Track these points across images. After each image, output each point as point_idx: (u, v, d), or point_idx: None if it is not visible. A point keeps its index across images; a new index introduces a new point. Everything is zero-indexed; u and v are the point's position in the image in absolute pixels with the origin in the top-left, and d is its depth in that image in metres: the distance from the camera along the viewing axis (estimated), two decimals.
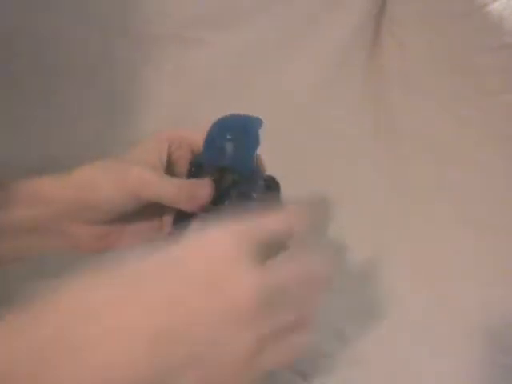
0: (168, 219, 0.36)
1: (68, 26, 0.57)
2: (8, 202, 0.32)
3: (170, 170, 0.36)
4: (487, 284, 0.45)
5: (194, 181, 0.34)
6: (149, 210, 0.35)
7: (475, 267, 0.47)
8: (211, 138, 0.34)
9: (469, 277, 0.46)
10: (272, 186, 0.35)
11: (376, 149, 0.63)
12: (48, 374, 0.22)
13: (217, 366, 0.24)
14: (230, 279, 0.24)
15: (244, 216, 0.26)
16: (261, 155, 0.35)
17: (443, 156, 0.59)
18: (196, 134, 0.36)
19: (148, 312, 0.23)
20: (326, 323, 0.41)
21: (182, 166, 0.37)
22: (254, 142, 0.34)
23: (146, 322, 0.23)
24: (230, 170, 0.33)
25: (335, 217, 0.54)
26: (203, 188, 0.33)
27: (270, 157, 0.35)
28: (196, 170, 0.35)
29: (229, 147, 0.34)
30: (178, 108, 0.61)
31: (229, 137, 0.33)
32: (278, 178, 0.35)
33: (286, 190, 0.35)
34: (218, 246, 0.25)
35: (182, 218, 0.34)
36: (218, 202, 0.33)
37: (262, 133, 0.35)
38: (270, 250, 0.26)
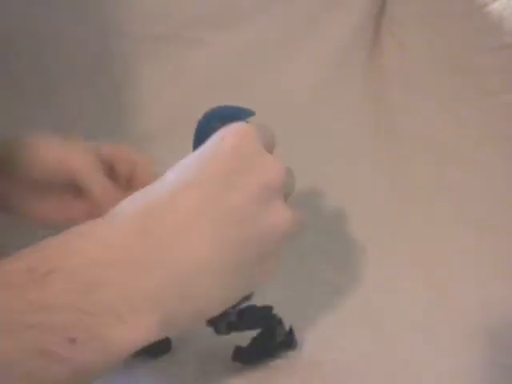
0: None
1: (68, 26, 0.57)
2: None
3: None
4: (487, 284, 0.45)
5: (116, 191, 0.36)
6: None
7: (475, 267, 0.47)
8: (200, 127, 0.34)
9: (469, 277, 0.46)
10: None
11: (376, 149, 0.63)
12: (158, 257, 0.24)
13: (270, 241, 0.27)
14: (263, 162, 0.27)
15: None
16: None
17: (443, 156, 0.59)
18: (137, 156, 0.38)
19: (207, 199, 0.26)
20: (324, 322, 0.41)
21: (123, 178, 0.38)
22: None
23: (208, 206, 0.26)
24: None
25: (335, 217, 0.54)
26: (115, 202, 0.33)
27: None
28: None
29: None
30: (178, 108, 0.61)
31: (217, 125, 0.33)
32: None
33: None
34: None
35: None
36: None
37: None
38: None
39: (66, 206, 0.38)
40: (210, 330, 0.34)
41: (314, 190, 0.55)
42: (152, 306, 0.24)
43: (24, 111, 0.57)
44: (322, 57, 0.66)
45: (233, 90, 0.62)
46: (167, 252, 0.25)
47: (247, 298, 0.33)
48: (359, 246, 0.50)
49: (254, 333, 0.37)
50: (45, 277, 0.21)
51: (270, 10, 0.63)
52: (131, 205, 0.26)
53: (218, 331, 0.34)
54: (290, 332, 0.38)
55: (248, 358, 0.37)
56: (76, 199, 0.37)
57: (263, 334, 0.37)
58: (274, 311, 0.37)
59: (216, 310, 0.28)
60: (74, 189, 0.36)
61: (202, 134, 0.33)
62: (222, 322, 0.34)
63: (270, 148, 0.29)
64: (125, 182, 0.38)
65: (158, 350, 0.38)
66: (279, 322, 0.37)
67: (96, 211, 0.30)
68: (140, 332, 0.23)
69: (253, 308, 0.35)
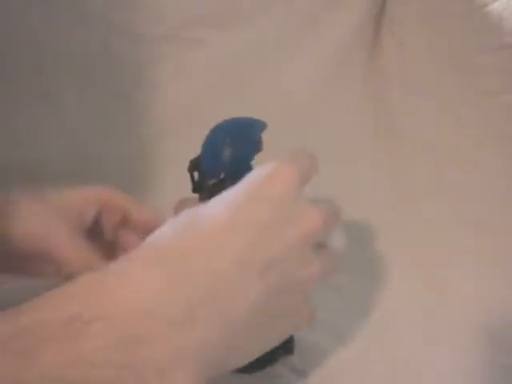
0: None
1: (68, 26, 0.57)
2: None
3: (96, 229, 0.36)
4: (487, 284, 0.45)
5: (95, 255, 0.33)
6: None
7: (475, 267, 0.47)
8: (210, 142, 0.34)
9: (469, 277, 0.46)
10: None
11: (376, 149, 0.63)
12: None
13: (304, 291, 0.28)
14: (303, 207, 0.27)
15: None
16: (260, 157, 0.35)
17: (443, 156, 0.59)
18: (127, 200, 0.37)
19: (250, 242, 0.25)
20: (325, 322, 0.41)
21: (109, 228, 0.37)
22: (254, 146, 0.33)
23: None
24: (230, 181, 0.32)
25: None
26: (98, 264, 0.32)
27: (270, 157, 0.35)
28: (199, 176, 0.35)
29: (227, 152, 0.33)
30: (178, 108, 0.61)
31: (226, 140, 0.32)
32: None
33: None
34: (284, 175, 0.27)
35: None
36: None
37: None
38: None
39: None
40: None
41: (314, 190, 0.55)
42: (195, 359, 0.23)
43: (24, 111, 0.57)
44: (322, 57, 0.66)
45: (233, 90, 0.62)
46: (212, 303, 0.23)
47: (289, 351, 0.34)
48: (359, 245, 0.50)
49: None
50: (87, 326, 0.20)
51: (270, 10, 0.63)
52: (166, 244, 0.25)
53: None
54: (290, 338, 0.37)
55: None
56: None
57: None
58: None
59: (250, 360, 0.27)
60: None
61: (210, 148, 0.33)
62: None
63: (308, 177, 0.30)
64: (112, 229, 0.37)
65: None
66: None
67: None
68: None
69: None
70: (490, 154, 0.56)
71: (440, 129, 0.60)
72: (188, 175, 0.35)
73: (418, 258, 0.48)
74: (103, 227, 0.37)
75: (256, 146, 0.34)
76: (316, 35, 0.65)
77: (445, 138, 0.59)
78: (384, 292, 0.45)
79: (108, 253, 0.34)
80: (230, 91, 0.62)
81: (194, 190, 0.35)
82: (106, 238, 0.37)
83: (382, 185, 0.58)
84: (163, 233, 0.26)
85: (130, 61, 0.60)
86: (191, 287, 0.23)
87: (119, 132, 0.59)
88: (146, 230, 0.27)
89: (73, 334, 0.20)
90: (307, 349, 0.39)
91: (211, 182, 0.33)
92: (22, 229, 0.32)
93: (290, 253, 0.26)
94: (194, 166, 0.35)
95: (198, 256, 0.24)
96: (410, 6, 0.63)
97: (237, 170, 0.32)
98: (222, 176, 0.33)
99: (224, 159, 0.33)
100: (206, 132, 0.35)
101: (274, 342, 0.28)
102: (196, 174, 0.35)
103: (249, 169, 0.33)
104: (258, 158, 0.34)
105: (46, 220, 0.33)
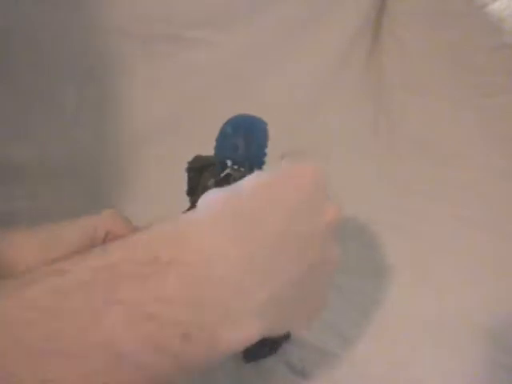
0: None
1: (68, 26, 0.57)
2: None
3: None
4: (487, 284, 0.45)
5: None
6: None
7: (475, 267, 0.47)
8: (224, 136, 0.34)
9: (469, 277, 0.46)
10: None
11: (376, 149, 0.63)
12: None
13: (323, 275, 0.28)
14: (328, 203, 0.28)
15: None
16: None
17: (443, 156, 0.59)
18: (128, 229, 0.36)
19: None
20: (325, 323, 0.41)
21: None
22: (266, 138, 0.35)
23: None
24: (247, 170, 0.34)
25: None
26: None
27: (270, 156, 0.35)
28: (221, 166, 0.35)
29: (242, 143, 0.34)
30: (178, 108, 0.61)
31: (228, 131, 0.33)
32: None
33: None
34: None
35: None
36: None
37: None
38: None
39: None
40: None
41: None
42: (261, 310, 0.24)
43: (24, 111, 0.57)
44: (322, 57, 0.66)
45: (233, 90, 0.62)
46: (270, 262, 0.25)
47: (286, 337, 0.34)
48: (359, 245, 0.50)
49: None
50: (167, 267, 0.22)
51: (270, 11, 0.63)
52: (226, 208, 0.25)
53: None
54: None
55: (249, 354, 0.37)
56: None
57: None
58: None
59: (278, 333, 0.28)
60: None
61: (225, 143, 0.34)
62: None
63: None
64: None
65: None
66: None
67: None
68: (247, 334, 0.23)
69: None
70: (490, 154, 0.56)
71: (440, 129, 0.60)
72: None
73: (419, 258, 0.48)
74: None
75: (267, 137, 0.35)
76: (316, 35, 0.65)
77: (444, 137, 0.60)
78: (384, 292, 0.45)
79: None
80: (229, 91, 0.62)
81: (189, 193, 0.36)
82: None
83: (382, 185, 0.58)
84: (218, 199, 0.26)
85: (129, 61, 0.60)
86: (255, 243, 0.24)
87: (119, 132, 0.59)
88: None
89: (155, 273, 0.22)
90: (307, 348, 0.39)
91: (233, 169, 0.34)
92: None
93: (320, 235, 0.27)
94: (197, 165, 0.35)
95: (256, 217, 0.25)
96: (410, 5, 0.63)
97: (253, 159, 0.34)
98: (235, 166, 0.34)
99: (241, 149, 0.34)
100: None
101: (292, 322, 0.29)
102: (192, 175, 0.35)
103: (263, 157, 0.35)
104: None
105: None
